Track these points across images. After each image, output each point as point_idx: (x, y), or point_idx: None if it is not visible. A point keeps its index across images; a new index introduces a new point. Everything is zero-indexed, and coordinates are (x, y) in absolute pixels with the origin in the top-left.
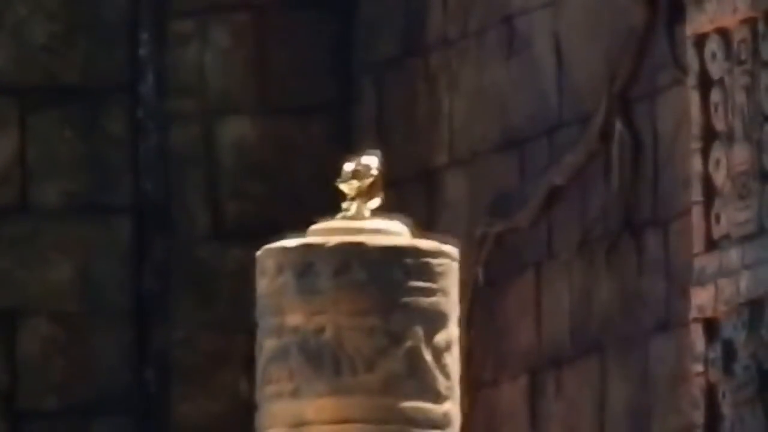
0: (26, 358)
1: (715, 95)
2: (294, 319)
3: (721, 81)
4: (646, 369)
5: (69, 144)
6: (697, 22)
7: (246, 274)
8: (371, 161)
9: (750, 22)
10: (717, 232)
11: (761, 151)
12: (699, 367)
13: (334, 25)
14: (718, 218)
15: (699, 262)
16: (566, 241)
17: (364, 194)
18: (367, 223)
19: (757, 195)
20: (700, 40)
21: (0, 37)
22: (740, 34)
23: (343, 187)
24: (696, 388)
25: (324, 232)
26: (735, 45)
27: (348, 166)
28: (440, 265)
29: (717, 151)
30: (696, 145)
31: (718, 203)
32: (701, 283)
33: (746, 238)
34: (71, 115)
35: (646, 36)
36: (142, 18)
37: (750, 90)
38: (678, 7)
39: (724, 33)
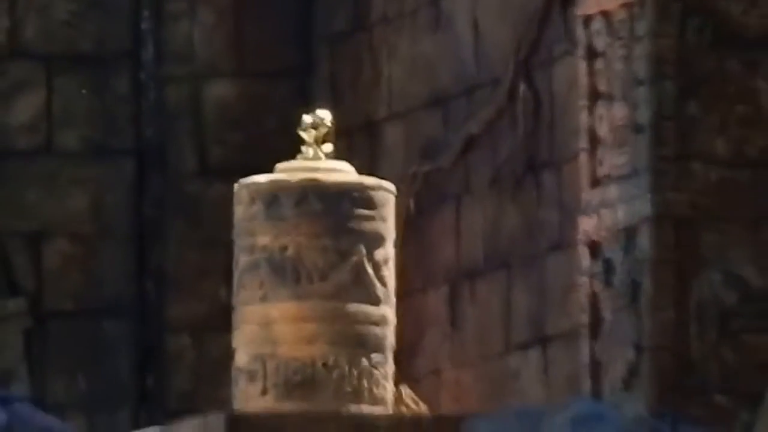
0: (49, 270)
1: (599, 64)
2: (263, 239)
3: (603, 53)
4: (543, 281)
5: (85, 100)
6: (586, 6)
7: (226, 203)
8: (325, 115)
9: (628, 6)
10: (600, 172)
11: (635, 109)
12: (585, 280)
13: (299, 5)
14: (601, 162)
15: (585, 197)
16: (480, 179)
17: (320, 141)
18: (322, 164)
19: (631, 143)
20: (588, 20)
21: (30, 15)
22: (620, 15)
23: (303, 135)
24: (583, 296)
25: (288, 171)
26: (615, 24)
27: (307, 119)
28: (380, 197)
29: (600, 109)
30: (583, 103)
31: (601, 150)
32: (587, 213)
33: (623, 178)
34: (87, 77)
35: (545, 16)
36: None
37: (627, 60)
38: None
39: (607, 14)
